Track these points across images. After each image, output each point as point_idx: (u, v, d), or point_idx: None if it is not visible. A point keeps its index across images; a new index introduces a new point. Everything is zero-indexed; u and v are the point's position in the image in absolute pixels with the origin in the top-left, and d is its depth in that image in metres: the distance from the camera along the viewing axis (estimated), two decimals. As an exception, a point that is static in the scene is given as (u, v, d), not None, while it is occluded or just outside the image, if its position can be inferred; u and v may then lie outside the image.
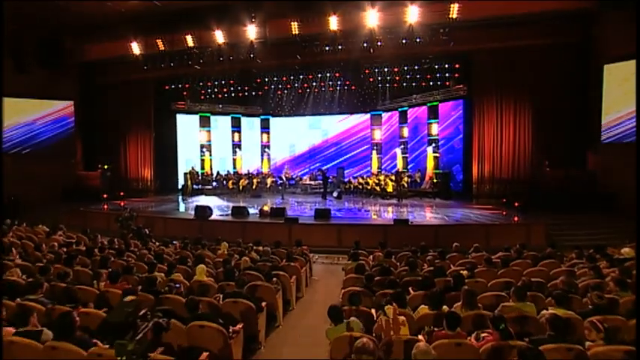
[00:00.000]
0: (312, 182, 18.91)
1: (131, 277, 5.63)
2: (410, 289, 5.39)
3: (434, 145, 18.35)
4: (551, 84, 13.73)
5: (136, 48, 15.40)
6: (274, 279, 5.78)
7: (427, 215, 12.82)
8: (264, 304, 5.10)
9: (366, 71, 16.90)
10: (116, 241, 9.26)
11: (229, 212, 12.84)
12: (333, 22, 13.44)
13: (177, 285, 5.25)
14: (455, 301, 4.52)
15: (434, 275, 5.65)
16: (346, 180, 19.30)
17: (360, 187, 17.86)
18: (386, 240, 10.09)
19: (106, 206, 15.30)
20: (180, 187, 19.13)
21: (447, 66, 16.66)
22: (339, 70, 16.78)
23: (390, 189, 16.67)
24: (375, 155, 21.22)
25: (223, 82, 18.11)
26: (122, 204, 16.30)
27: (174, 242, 8.71)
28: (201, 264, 6.02)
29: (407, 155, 20.05)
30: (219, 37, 14.57)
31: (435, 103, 18.31)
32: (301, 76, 17.50)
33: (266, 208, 12.69)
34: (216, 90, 19.61)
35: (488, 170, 15.02)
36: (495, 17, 13.21)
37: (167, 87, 18.18)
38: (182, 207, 15.52)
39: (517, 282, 5.05)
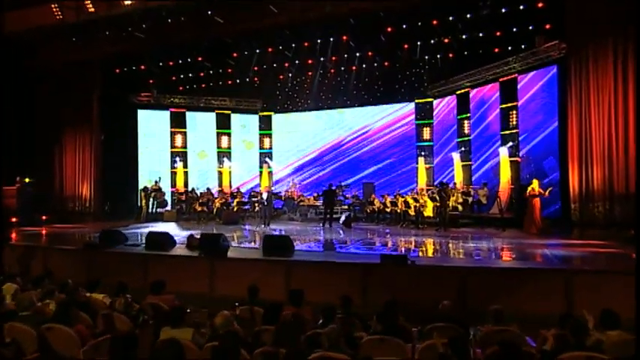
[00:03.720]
0: (318, 203, 15.77)
1: None
2: None
3: (511, 143, 14.31)
4: None
5: (60, 13, 14.04)
6: None
7: (466, 252, 9.10)
8: None
9: (388, 29, 13.55)
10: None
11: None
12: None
13: None
14: None
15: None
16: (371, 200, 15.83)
17: (388, 209, 14.25)
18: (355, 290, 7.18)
19: (14, 235, 13.71)
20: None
21: (524, 8, 12.60)
22: (345, 32, 13.71)
23: (429, 212, 12.88)
24: (422, 164, 17.45)
25: (189, 59, 15.97)
26: (44, 232, 14.77)
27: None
28: None
29: (471, 162, 16.06)
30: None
31: (511, 77, 14.45)
32: (293, 45, 14.71)
33: (197, 236, 10.13)
34: (190, 75, 17.58)
35: (599, 179, 10.54)
36: None
37: (118, 70, 16.54)
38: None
39: None
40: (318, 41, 14.53)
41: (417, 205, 13.06)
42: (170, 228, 14.52)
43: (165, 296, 5.92)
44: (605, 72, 10.63)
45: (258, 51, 15.45)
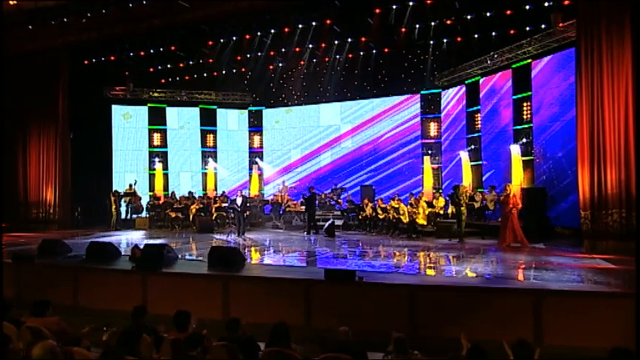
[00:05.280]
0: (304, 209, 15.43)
1: None
2: None
3: (524, 139, 13.76)
4: None
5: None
6: None
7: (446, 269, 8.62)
8: None
9: (377, 11, 13.14)
10: None
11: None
12: None
13: None
14: None
15: None
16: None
17: (381, 216, 13.82)
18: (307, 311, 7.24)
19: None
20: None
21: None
22: (327, 15, 13.35)
23: (421, 220, 12.42)
24: (428, 164, 16.90)
25: (161, 49, 15.91)
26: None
27: None
28: None
29: (481, 162, 15.48)
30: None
31: (525, 63, 13.94)
32: (272, 30, 14.45)
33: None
34: (169, 67, 17.53)
35: (613, 182, 9.84)
36: None
37: (87, 62, 16.63)
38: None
39: None
40: (300, 26, 14.26)
41: (410, 211, 12.62)
42: (138, 236, 14.55)
43: (48, 319, 5.52)
44: (621, 55, 9.91)
45: (234, 38, 15.27)
